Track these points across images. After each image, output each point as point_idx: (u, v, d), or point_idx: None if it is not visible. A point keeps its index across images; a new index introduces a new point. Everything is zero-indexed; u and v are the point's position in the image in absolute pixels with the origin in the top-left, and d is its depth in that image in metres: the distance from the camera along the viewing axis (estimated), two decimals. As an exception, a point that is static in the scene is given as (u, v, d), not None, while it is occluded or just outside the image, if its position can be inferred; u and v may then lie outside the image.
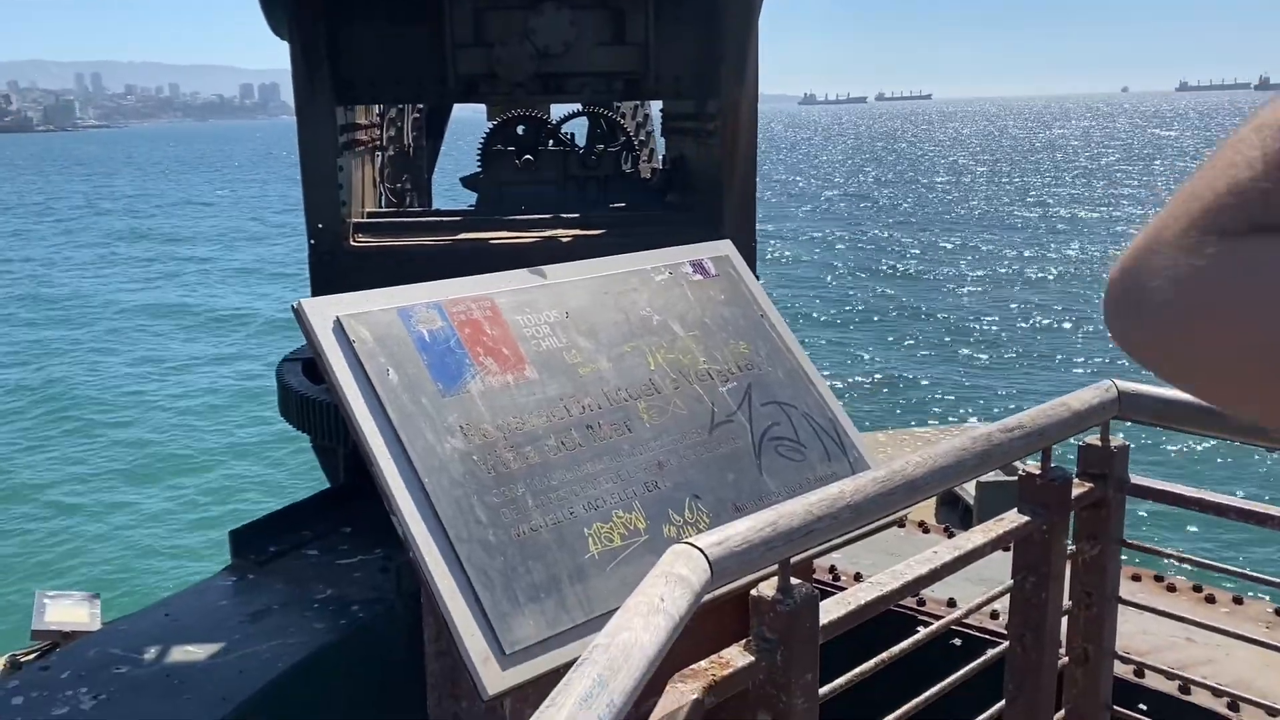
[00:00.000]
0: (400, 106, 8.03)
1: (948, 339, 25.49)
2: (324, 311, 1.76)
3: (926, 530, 4.72)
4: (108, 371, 23.57)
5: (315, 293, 5.34)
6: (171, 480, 16.88)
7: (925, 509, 6.08)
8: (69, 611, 5.43)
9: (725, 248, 2.27)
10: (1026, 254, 38.00)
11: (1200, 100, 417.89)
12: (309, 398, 5.06)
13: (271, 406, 6.01)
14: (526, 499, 1.72)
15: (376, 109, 7.25)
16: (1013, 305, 29.31)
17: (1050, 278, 33.49)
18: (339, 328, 1.75)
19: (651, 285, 2.13)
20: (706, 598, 1.67)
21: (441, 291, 1.87)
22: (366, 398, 1.71)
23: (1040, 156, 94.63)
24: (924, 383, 21.75)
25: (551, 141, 7.19)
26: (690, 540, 1.74)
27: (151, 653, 3.46)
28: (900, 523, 3.75)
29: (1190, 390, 0.66)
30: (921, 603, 3.81)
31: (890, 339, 25.62)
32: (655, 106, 9.14)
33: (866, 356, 24.18)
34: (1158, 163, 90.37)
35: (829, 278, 34.70)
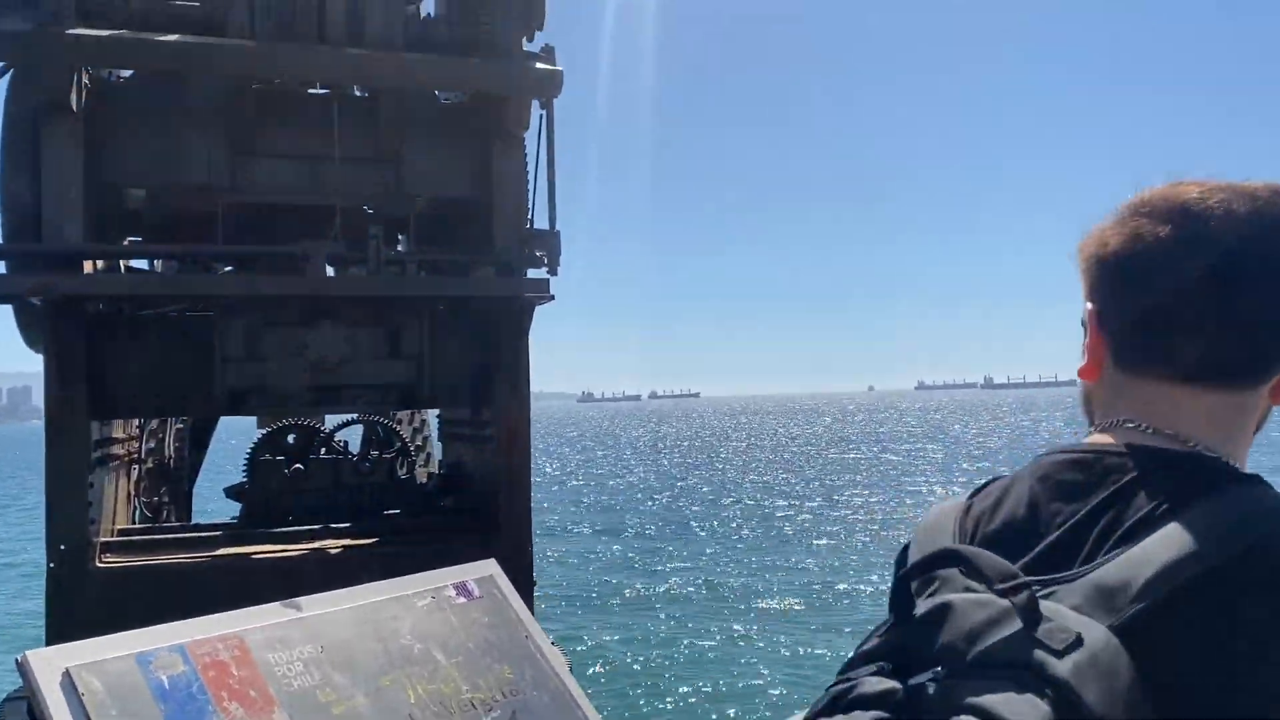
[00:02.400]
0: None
1: (708, 648, 25.56)
2: (52, 664, 1.64)
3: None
4: None
5: (51, 622, 4.89)
6: None
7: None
8: None
9: (490, 567, 2.30)
10: (780, 554, 38.66)
11: (935, 397, 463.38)
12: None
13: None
14: None
15: (137, 421, 7.02)
16: (775, 607, 29.72)
17: (807, 571, 34.58)
18: (68, 681, 1.63)
19: (414, 612, 2.10)
20: None
21: (186, 632, 1.79)
22: (94, 756, 1.58)
23: (794, 450, 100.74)
24: (687, 693, 21.56)
25: (324, 449, 7.12)
26: None
27: None
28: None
29: None
30: None
31: (654, 650, 25.36)
32: (433, 412, 9.29)
33: (627, 668, 23.88)
34: (891, 454, 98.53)
35: (603, 580, 34.42)
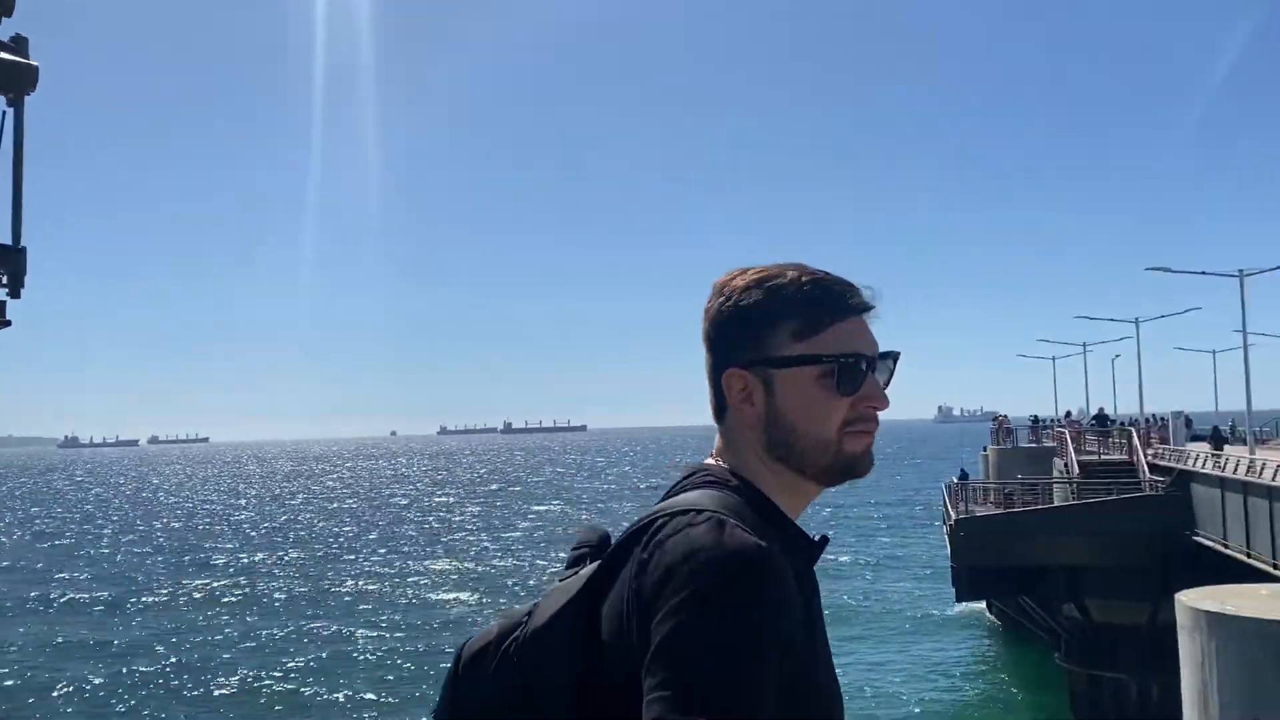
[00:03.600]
0: None
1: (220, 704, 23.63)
2: None
3: None
4: None
5: None
6: None
7: None
8: None
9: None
10: (236, 623, 36.09)
11: (457, 441, 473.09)
12: None
13: None
14: None
15: None
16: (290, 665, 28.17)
17: (264, 635, 32.97)
18: None
19: None
20: None
21: None
22: None
23: (291, 499, 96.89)
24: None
25: None
26: None
27: None
28: None
29: None
30: None
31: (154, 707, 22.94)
32: None
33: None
34: (393, 490, 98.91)
35: (56, 665, 30.09)
